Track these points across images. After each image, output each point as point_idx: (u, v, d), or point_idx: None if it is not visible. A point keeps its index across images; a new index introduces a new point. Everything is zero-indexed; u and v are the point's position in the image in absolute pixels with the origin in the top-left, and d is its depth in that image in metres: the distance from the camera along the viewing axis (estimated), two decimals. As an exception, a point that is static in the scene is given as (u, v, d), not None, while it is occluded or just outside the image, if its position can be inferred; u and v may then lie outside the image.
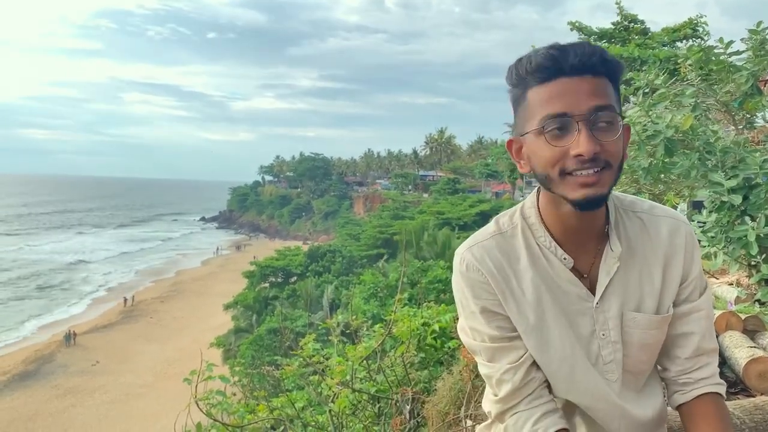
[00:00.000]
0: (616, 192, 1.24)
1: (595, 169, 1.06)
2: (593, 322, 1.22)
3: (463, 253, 1.25)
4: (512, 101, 1.16)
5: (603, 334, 1.22)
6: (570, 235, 1.20)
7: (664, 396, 1.35)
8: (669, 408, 1.35)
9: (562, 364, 1.23)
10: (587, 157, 1.05)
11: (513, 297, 1.22)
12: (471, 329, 1.28)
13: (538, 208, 1.23)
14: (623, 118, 1.12)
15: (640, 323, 1.22)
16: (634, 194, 1.50)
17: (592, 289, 1.22)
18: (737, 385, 2.42)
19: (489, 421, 1.37)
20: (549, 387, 1.27)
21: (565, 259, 1.21)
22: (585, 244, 1.22)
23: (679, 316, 1.26)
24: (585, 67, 1.06)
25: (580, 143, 1.05)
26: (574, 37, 15.58)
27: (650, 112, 3.32)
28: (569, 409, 1.30)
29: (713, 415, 1.24)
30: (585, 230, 1.20)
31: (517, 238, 1.24)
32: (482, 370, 1.30)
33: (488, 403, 1.33)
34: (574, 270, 1.22)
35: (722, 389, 1.28)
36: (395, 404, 3.40)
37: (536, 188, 1.26)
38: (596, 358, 1.23)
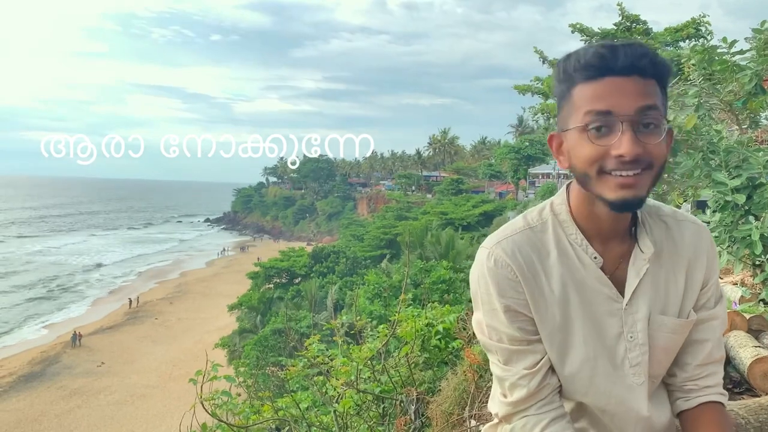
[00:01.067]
0: None
1: (635, 171, 1.04)
2: (621, 324, 1.20)
3: (492, 247, 1.20)
4: (557, 97, 1.14)
5: (631, 336, 1.20)
6: (599, 235, 1.19)
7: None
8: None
9: (583, 365, 1.21)
10: (628, 159, 1.03)
11: (542, 295, 1.19)
12: (489, 327, 1.23)
13: (569, 205, 1.21)
14: (668, 121, 1.10)
15: (667, 326, 1.21)
16: None
17: (619, 290, 1.20)
18: (742, 385, 2.41)
19: (495, 421, 1.35)
20: (560, 391, 1.25)
21: (595, 258, 1.19)
22: (611, 244, 1.21)
23: (695, 323, 1.25)
24: (634, 68, 1.05)
25: (622, 144, 1.03)
26: (575, 40, 15.55)
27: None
28: (577, 415, 1.28)
29: (716, 423, 1.23)
30: (614, 230, 1.19)
31: (547, 234, 1.21)
32: (495, 371, 1.26)
33: (495, 404, 1.32)
34: (602, 270, 1.20)
35: (725, 399, 1.28)
36: (399, 404, 3.41)
37: (565, 185, 1.25)
38: (622, 361, 1.21)
